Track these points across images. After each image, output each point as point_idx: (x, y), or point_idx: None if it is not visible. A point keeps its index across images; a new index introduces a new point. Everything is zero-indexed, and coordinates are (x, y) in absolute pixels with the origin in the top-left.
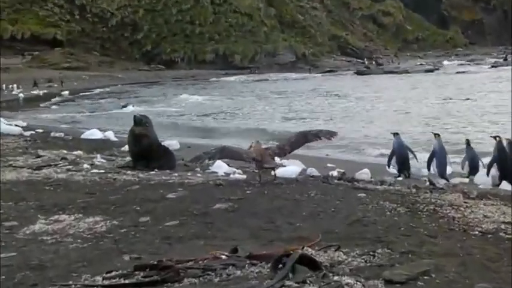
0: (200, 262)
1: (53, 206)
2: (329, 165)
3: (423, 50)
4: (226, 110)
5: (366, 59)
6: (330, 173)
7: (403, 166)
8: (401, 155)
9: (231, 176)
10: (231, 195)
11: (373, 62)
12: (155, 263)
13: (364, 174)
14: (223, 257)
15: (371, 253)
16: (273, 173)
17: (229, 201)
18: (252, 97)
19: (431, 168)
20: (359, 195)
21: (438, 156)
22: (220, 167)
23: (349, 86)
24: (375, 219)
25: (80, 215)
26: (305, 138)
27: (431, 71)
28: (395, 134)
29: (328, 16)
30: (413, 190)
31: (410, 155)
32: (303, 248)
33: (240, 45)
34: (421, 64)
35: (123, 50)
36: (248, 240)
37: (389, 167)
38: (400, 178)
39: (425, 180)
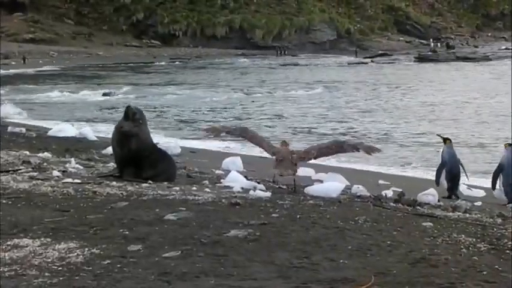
0: None
1: (12, 227)
2: (381, 182)
3: (510, 30)
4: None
5: (431, 40)
6: (384, 193)
7: (454, 183)
8: (452, 169)
9: (251, 192)
10: (252, 218)
11: (440, 45)
12: None
13: (430, 195)
14: None
15: None
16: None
17: (248, 226)
18: (275, 94)
19: (498, 185)
20: (424, 224)
21: (506, 171)
22: (236, 180)
23: (410, 77)
24: (447, 259)
25: (48, 240)
26: (340, 147)
27: None
28: (446, 141)
29: None
30: (499, 220)
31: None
32: None
33: (262, 17)
34: (507, 48)
35: (105, 19)
36: (275, 281)
37: (438, 184)
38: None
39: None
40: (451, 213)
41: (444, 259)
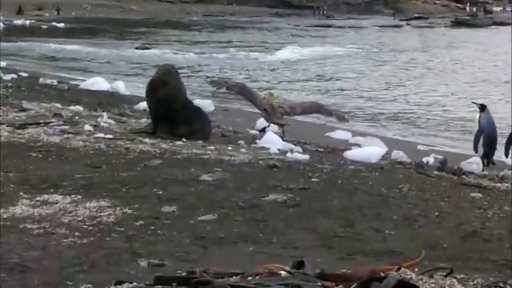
0: (249, 278)
1: (42, 182)
2: (421, 147)
3: None
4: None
5: (468, 4)
6: (425, 160)
7: (491, 150)
8: (490, 135)
9: (288, 154)
10: (291, 182)
11: (477, 9)
12: (185, 274)
13: (475, 164)
14: (283, 273)
15: (500, 284)
16: (280, 129)
17: (288, 191)
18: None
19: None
20: (472, 195)
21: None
22: (272, 141)
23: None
24: (500, 234)
25: (79, 197)
26: (318, 108)
27: None
28: (482, 108)
29: None
30: None
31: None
32: (399, 269)
33: None
34: None
35: None
36: (317, 250)
37: (476, 151)
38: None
39: None
40: (499, 184)
41: (498, 233)
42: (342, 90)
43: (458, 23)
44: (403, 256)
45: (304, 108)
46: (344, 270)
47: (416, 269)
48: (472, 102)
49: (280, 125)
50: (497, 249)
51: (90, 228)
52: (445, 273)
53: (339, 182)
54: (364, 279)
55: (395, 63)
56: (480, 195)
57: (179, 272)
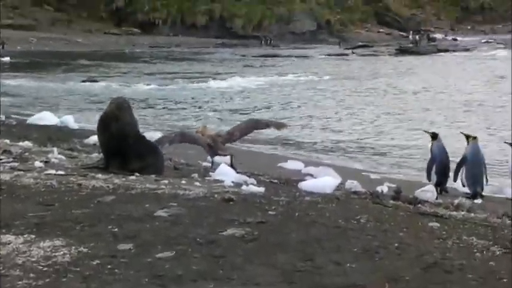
0: None
1: None
2: (373, 177)
3: (490, 23)
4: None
5: (411, 32)
6: (379, 189)
7: (444, 178)
8: (442, 163)
9: (243, 187)
10: (247, 216)
11: (420, 37)
12: None
13: (429, 192)
14: None
15: None
16: (228, 158)
17: (245, 225)
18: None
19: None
20: (430, 224)
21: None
22: (226, 173)
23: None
24: (461, 264)
25: (32, 236)
26: (255, 124)
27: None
28: (434, 136)
29: None
30: (507, 220)
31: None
32: None
33: (242, 7)
34: (488, 41)
35: (85, 5)
36: (279, 286)
37: (430, 179)
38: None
39: None
40: (455, 212)
41: (458, 264)
42: (290, 119)
43: (402, 51)
44: None
45: (241, 129)
46: None
47: None
48: (424, 131)
49: (225, 156)
50: (458, 281)
51: (45, 269)
52: None
53: (296, 214)
54: None
55: (343, 92)
56: (438, 224)
57: None
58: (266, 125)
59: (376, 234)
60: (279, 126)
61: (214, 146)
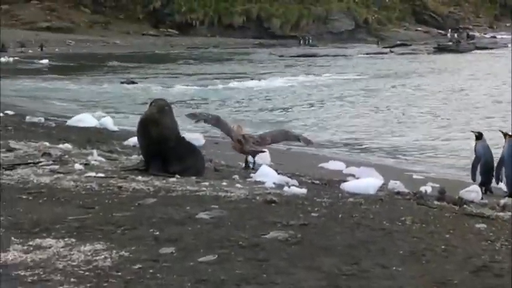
0: None
1: (33, 225)
2: (416, 177)
3: None
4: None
5: (450, 30)
6: (423, 189)
7: (489, 178)
8: (487, 163)
9: (285, 189)
10: (290, 218)
11: (459, 35)
12: None
13: (474, 192)
14: None
15: None
16: (250, 159)
17: (288, 227)
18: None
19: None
20: (477, 226)
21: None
22: (267, 174)
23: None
24: None
25: (73, 240)
26: (286, 135)
27: None
28: (479, 136)
29: None
30: None
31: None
32: None
33: (280, 7)
34: None
35: (122, 7)
36: None
37: (474, 179)
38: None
39: None
40: (501, 213)
41: (508, 267)
42: (326, 119)
43: (440, 49)
44: None
45: (273, 136)
46: None
47: None
48: (471, 131)
49: (256, 153)
50: (510, 285)
51: (86, 273)
52: None
53: (340, 216)
54: None
55: (382, 91)
56: (485, 225)
57: None
58: (296, 138)
59: (422, 236)
60: (307, 142)
61: (243, 144)
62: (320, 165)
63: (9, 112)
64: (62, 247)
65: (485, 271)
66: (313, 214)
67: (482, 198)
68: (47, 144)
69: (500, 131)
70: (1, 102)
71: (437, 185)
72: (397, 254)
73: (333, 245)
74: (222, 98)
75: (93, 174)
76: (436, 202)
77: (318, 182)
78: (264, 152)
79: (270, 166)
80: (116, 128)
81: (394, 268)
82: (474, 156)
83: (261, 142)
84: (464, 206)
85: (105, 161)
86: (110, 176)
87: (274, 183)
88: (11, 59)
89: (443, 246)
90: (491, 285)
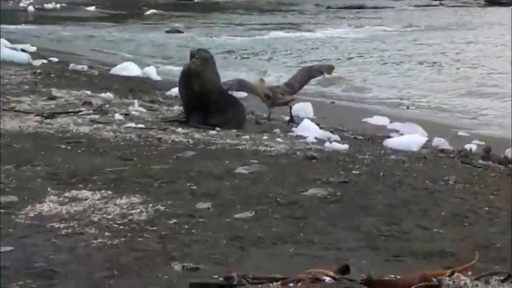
0: (291, 285)
1: (71, 176)
2: (461, 133)
3: None
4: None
5: None
6: (468, 147)
7: None
8: None
9: (327, 144)
10: (330, 175)
11: None
12: (222, 280)
13: None
14: (327, 279)
15: None
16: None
17: (328, 185)
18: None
19: None
20: None
21: None
22: (309, 129)
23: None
24: None
25: (109, 193)
26: (310, 73)
27: None
28: None
29: None
30: None
31: None
32: (452, 273)
33: None
34: None
35: None
36: (362, 252)
37: None
38: None
39: None
40: None
41: None
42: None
43: (492, 2)
44: (454, 258)
45: (298, 79)
46: (392, 275)
47: (470, 273)
48: None
49: (287, 102)
50: None
51: (121, 227)
52: (502, 278)
53: (381, 174)
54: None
55: (430, 45)
56: None
57: (215, 276)
58: (319, 71)
59: (466, 197)
60: (329, 69)
61: (272, 97)
62: (364, 120)
63: (53, 59)
64: (98, 199)
65: None
66: (354, 171)
67: None
68: (89, 92)
69: None
70: (46, 49)
71: (483, 143)
72: (439, 216)
73: (373, 204)
74: (270, 49)
75: (133, 125)
76: (480, 161)
77: (360, 137)
78: (293, 100)
79: (312, 120)
80: (159, 78)
81: (435, 230)
82: None
83: (290, 90)
84: (510, 165)
85: (146, 111)
86: (149, 127)
87: (315, 138)
88: (58, 5)
89: (487, 208)
90: None
